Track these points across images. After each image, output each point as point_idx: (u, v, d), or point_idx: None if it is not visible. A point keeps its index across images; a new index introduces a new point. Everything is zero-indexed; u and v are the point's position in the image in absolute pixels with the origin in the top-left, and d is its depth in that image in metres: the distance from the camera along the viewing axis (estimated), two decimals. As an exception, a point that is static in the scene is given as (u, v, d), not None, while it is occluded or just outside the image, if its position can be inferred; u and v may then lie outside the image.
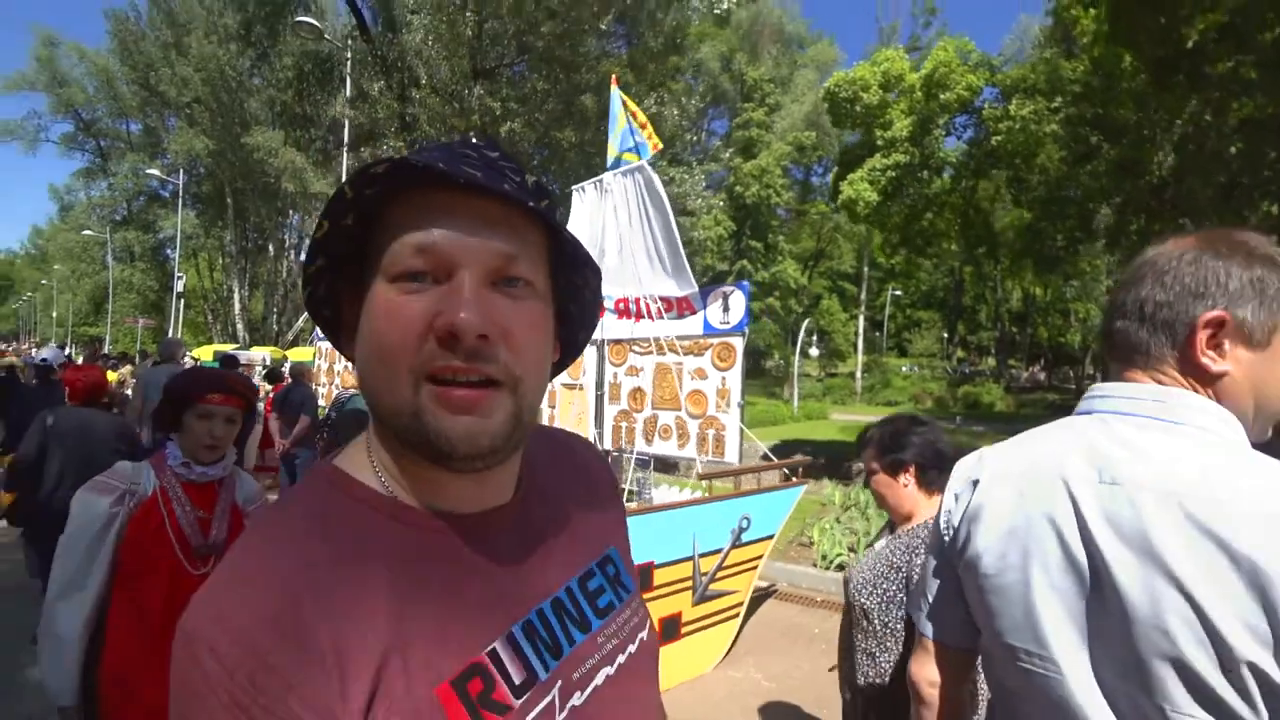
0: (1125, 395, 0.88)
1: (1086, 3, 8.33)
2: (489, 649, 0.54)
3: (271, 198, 31.24)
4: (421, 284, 0.51)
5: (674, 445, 4.92)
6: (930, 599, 1.03)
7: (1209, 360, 0.83)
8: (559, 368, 0.64)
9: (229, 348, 20.06)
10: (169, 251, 36.63)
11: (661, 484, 5.30)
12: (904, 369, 40.69)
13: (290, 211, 34.47)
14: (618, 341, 5.30)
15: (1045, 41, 11.48)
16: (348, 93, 11.54)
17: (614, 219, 5.14)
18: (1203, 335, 0.82)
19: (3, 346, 30.95)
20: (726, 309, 4.68)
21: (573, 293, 0.63)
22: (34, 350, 17.44)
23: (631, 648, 0.65)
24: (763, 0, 28.04)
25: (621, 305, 5.27)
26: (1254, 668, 0.69)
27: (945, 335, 45.51)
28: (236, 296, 34.24)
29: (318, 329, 5.32)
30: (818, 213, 31.41)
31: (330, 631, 0.48)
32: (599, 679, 0.60)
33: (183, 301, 29.28)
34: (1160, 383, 0.86)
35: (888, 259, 16.85)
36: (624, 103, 5.38)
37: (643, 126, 5.30)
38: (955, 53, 9.66)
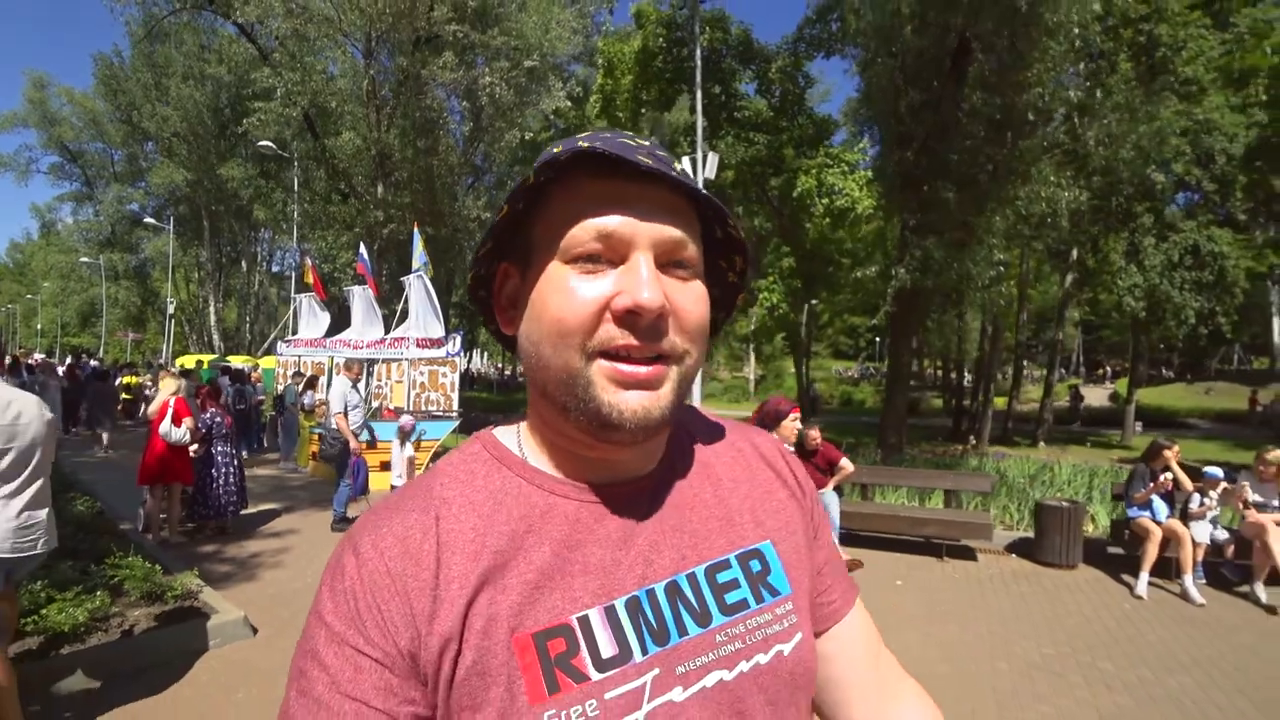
0: None
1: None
2: (580, 615, 0.57)
3: (245, 216, 36.85)
4: (598, 265, 0.57)
5: (436, 404, 11.14)
6: None
7: None
8: None
9: (209, 357, 26.06)
10: (149, 269, 42.48)
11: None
12: (835, 371, 47.03)
13: (262, 229, 40.12)
14: (417, 359, 11.50)
15: None
16: (296, 185, 17.91)
17: (413, 298, 11.40)
18: None
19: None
20: (456, 344, 10.88)
21: (717, 275, 0.69)
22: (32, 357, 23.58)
23: (761, 657, 0.62)
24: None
25: (420, 343, 11.47)
26: None
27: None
28: (212, 309, 39.22)
29: (280, 344, 13.29)
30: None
31: (440, 558, 0.57)
32: (709, 680, 0.59)
33: (164, 314, 35.10)
34: None
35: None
36: (421, 238, 11.64)
37: (428, 252, 11.58)
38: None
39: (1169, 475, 6.15)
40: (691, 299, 0.59)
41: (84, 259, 39.65)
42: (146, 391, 17.95)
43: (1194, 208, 15.90)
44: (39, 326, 54.91)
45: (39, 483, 2.80)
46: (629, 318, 0.56)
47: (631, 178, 0.57)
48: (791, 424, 3.56)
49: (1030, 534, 7.21)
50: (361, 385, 9.46)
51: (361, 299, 12.98)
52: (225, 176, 31.62)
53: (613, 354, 0.57)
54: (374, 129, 15.28)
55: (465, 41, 15.65)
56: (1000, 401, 20.96)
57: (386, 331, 12.31)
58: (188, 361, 24.84)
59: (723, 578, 0.64)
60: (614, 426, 0.57)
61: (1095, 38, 10.65)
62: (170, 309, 29.26)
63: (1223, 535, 6.26)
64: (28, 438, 2.72)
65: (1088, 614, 5.44)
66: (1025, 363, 27.12)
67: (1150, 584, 6.00)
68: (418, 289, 11.28)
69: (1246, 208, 16.19)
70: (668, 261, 0.58)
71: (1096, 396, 32.03)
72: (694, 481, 0.69)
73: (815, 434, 7.23)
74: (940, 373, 49.14)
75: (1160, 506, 6.25)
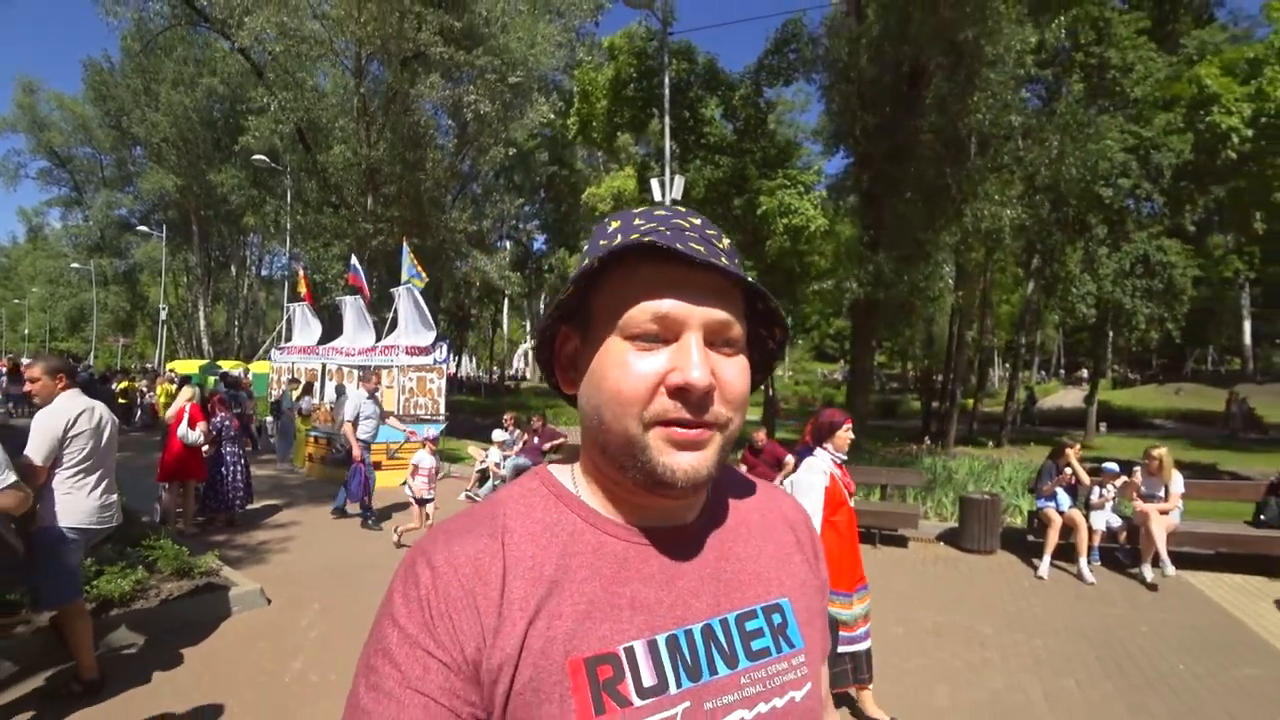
0: None
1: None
2: (626, 646, 0.64)
3: (234, 221, 37.33)
4: (653, 343, 0.64)
5: (424, 409, 11.96)
6: None
7: None
8: None
9: (199, 363, 26.74)
10: (138, 274, 43.00)
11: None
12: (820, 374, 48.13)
13: (251, 234, 40.61)
14: (406, 366, 12.33)
15: None
16: (289, 197, 18.79)
17: (402, 308, 12.22)
18: None
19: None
20: (443, 351, 11.72)
21: (758, 343, 0.77)
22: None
23: (778, 701, 0.69)
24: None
25: (409, 350, 12.29)
26: None
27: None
28: (201, 313, 40.01)
29: (274, 350, 14.38)
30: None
31: (505, 580, 0.64)
32: (732, 718, 0.66)
33: (153, 319, 35.69)
34: None
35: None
36: (410, 250, 12.47)
37: (417, 264, 12.42)
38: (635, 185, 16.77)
39: (1070, 470, 7.06)
40: (735, 373, 0.66)
41: (74, 264, 40.03)
42: (141, 398, 18.65)
43: (1145, 220, 16.92)
44: (26, 331, 55.20)
45: (111, 472, 3.64)
46: (680, 393, 0.62)
47: (684, 263, 0.63)
48: (845, 434, 3.70)
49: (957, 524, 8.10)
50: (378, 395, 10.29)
51: (353, 308, 13.80)
52: (216, 182, 32.01)
53: (667, 422, 0.63)
54: (363, 144, 16.12)
55: (450, 62, 16.44)
56: (971, 403, 21.95)
57: (377, 339, 13.15)
58: (179, 367, 25.42)
59: (750, 626, 0.71)
60: (668, 484, 0.63)
61: (1031, 69, 11.59)
62: (163, 315, 29.80)
63: (1117, 522, 7.17)
64: (104, 437, 3.57)
65: (989, 591, 6.32)
66: (1007, 365, 28.16)
67: (1053, 566, 6.89)
68: (406, 299, 12.11)
69: (1197, 219, 17.22)
70: (715, 340, 0.65)
71: (1073, 398, 33.06)
72: (730, 534, 0.76)
73: (761, 435, 8.19)
74: (916, 374, 50.84)
75: (1064, 498, 7.15)
